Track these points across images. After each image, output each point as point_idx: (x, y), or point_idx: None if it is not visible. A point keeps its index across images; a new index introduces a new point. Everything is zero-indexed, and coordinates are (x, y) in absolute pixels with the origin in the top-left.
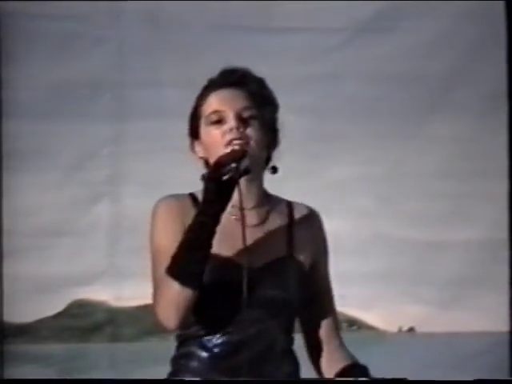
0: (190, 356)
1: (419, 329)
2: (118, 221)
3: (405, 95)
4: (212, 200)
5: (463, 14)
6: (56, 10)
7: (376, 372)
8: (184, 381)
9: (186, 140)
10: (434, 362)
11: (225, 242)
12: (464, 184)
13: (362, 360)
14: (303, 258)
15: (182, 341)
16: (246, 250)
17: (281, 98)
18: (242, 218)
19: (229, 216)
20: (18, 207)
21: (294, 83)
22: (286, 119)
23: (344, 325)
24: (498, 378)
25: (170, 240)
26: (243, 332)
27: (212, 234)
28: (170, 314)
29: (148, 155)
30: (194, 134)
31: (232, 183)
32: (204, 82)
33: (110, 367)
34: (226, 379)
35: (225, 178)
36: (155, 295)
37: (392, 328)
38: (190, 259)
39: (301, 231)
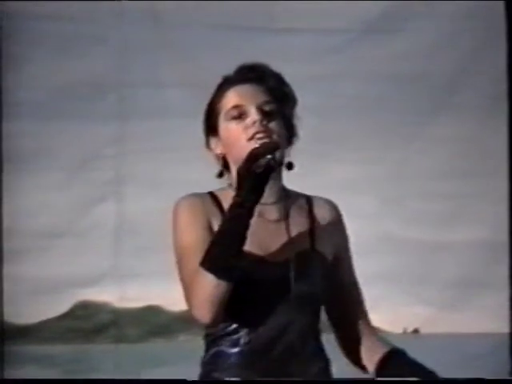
0: (221, 355)
1: (424, 330)
2: (122, 221)
3: (408, 96)
4: (248, 191)
5: (466, 14)
6: (58, 10)
7: None
8: (184, 381)
9: (189, 140)
10: (438, 363)
11: (249, 239)
12: (467, 184)
13: None
14: (326, 250)
15: (211, 341)
16: (289, 244)
17: None
18: (286, 216)
19: None
20: (21, 208)
21: (296, 84)
22: None
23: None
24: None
25: (196, 236)
26: (273, 328)
27: (247, 226)
28: (206, 309)
29: (151, 155)
30: (212, 130)
31: (267, 175)
32: (206, 82)
33: (114, 368)
34: (236, 380)
35: (260, 169)
36: (188, 291)
37: (397, 329)
38: (225, 252)
39: (321, 224)
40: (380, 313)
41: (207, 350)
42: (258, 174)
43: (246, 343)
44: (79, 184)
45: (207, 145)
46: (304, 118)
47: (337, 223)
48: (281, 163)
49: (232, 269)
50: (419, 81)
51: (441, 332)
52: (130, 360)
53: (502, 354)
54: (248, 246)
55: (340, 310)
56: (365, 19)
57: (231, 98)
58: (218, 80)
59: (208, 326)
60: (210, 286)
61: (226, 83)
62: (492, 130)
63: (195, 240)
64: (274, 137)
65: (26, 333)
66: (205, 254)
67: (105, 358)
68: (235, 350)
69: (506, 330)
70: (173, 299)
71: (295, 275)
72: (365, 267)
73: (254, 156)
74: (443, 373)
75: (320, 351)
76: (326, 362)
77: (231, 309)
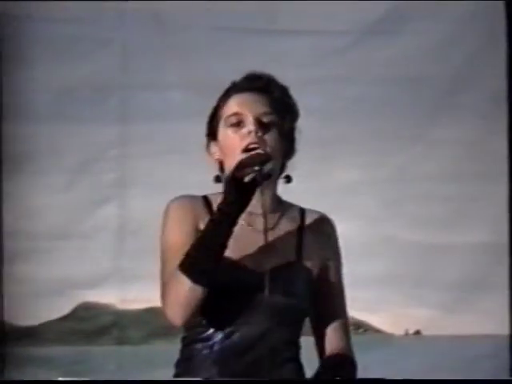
0: (193, 358)
1: (425, 332)
2: (124, 223)
3: (410, 98)
4: (232, 200)
5: (468, 16)
6: (60, 12)
7: (383, 374)
8: (184, 381)
9: (192, 142)
10: (440, 365)
11: (234, 246)
12: (469, 187)
13: (369, 362)
14: (312, 263)
15: (187, 343)
16: (274, 256)
17: None
18: (265, 222)
19: (240, 221)
20: (24, 210)
21: (298, 86)
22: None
23: (350, 328)
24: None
25: (181, 238)
26: (247, 335)
27: (228, 234)
28: (178, 311)
29: (154, 157)
30: (212, 135)
31: (254, 186)
32: (209, 84)
33: (115, 370)
34: (228, 379)
35: (247, 179)
36: (164, 291)
37: (398, 331)
38: (204, 257)
39: (311, 237)
40: (382, 315)
41: (182, 352)
42: (243, 185)
43: (219, 348)
44: (82, 186)
45: (207, 149)
46: (306, 120)
47: (328, 237)
48: (269, 176)
49: (208, 275)
50: (421, 83)
51: (442, 334)
52: (131, 361)
53: (503, 355)
54: (233, 254)
55: (318, 324)
56: (367, 21)
57: (232, 105)
58: (221, 82)
59: (181, 328)
60: (184, 289)
61: (232, 89)
62: (496, 133)
63: (179, 241)
64: (268, 149)
65: (28, 334)
66: (183, 257)
67: (107, 359)
68: (206, 354)
69: (508, 331)
70: None
71: (275, 286)
72: (366, 269)
73: (241, 166)
74: (445, 374)
75: (295, 363)
76: (301, 374)
77: (209, 314)
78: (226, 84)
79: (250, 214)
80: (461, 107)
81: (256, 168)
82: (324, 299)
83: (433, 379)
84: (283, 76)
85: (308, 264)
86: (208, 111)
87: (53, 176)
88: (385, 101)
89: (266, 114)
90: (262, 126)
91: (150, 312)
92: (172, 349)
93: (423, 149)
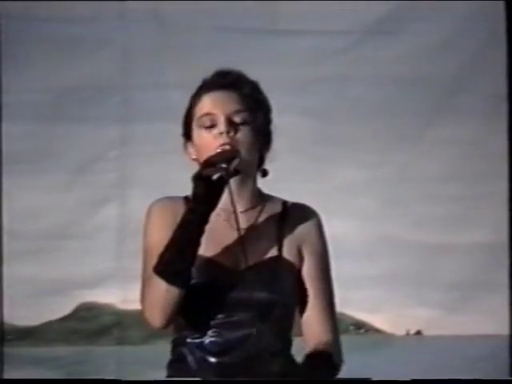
0: (182, 359)
1: (427, 332)
2: (125, 223)
3: (411, 98)
4: (200, 199)
5: (469, 15)
6: (61, 12)
7: (384, 374)
8: (184, 381)
9: None
10: (441, 365)
11: (213, 244)
12: (469, 187)
13: (370, 363)
14: (293, 258)
15: (175, 345)
16: (255, 253)
17: (287, 101)
18: (237, 222)
19: (218, 218)
20: (25, 210)
21: (299, 86)
22: (292, 121)
23: (351, 328)
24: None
25: (160, 239)
26: (232, 334)
27: (200, 233)
28: (155, 313)
29: (155, 157)
30: (187, 135)
31: (222, 183)
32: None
33: (116, 370)
34: (222, 379)
35: (214, 177)
36: (142, 293)
37: (399, 331)
38: (177, 258)
39: (292, 230)
40: (383, 315)
41: (172, 353)
42: (211, 183)
43: (205, 348)
44: (83, 186)
45: (184, 149)
46: (307, 120)
47: (311, 229)
48: (236, 172)
49: (183, 275)
50: (423, 82)
51: (444, 334)
52: (132, 362)
53: (504, 355)
54: (213, 253)
55: (308, 317)
56: (368, 21)
57: (204, 105)
58: None
59: (158, 329)
60: (160, 290)
61: (202, 88)
62: (496, 133)
63: (158, 242)
64: (241, 148)
65: (30, 334)
66: (158, 258)
67: (108, 359)
68: (194, 355)
69: (509, 332)
70: None
71: (258, 283)
72: (368, 269)
73: (207, 164)
74: (446, 374)
75: (286, 358)
76: (291, 367)
77: (189, 314)
78: None
79: (229, 211)
80: (461, 107)
81: (223, 165)
82: (310, 291)
83: (433, 379)
84: (285, 76)
85: (289, 257)
86: None
87: (53, 176)
88: (386, 101)
89: (236, 112)
90: (233, 125)
91: None
92: None
93: (424, 149)
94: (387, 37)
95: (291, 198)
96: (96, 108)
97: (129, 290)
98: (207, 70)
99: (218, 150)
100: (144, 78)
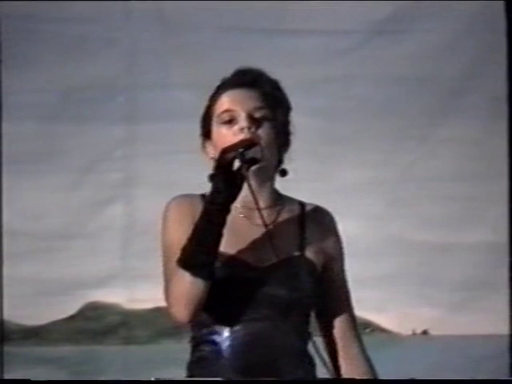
0: (203, 360)
1: (433, 332)
2: (131, 223)
3: (416, 97)
4: (220, 189)
5: (474, 15)
6: (67, 12)
7: (389, 374)
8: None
9: (198, 141)
10: (447, 365)
11: (234, 241)
12: (474, 186)
13: (376, 362)
14: (315, 257)
15: (195, 344)
16: (276, 250)
17: (293, 100)
18: (262, 218)
19: (238, 215)
20: (31, 209)
21: (306, 85)
22: (298, 121)
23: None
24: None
25: (180, 236)
26: (254, 332)
27: (221, 224)
28: (181, 306)
29: (160, 157)
30: (206, 133)
31: (241, 173)
32: (215, 84)
33: (122, 370)
34: (240, 380)
35: (234, 166)
36: (167, 289)
37: (406, 331)
38: (200, 249)
39: (312, 231)
40: (389, 314)
41: (192, 353)
42: (231, 173)
43: (228, 346)
44: (88, 186)
45: (203, 148)
46: (312, 119)
47: (329, 231)
48: (255, 160)
49: (207, 266)
50: (428, 82)
51: (450, 334)
52: (138, 361)
53: (509, 355)
54: (234, 250)
55: (325, 318)
56: (375, 21)
57: (223, 103)
58: None
59: (184, 324)
60: (185, 283)
61: (222, 86)
62: (500, 133)
63: (178, 239)
64: (262, 144)
65: (36, 334)
66: (181, 251)
67: (114, 359)
68: (216, 355)
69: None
70: None
71: (278, 281)
72: (373, 269)
73: (225, 151)
74: (452, 374)
75: (305, 356)
76: (312, 367)
77: (213, 311)
78: None
79: (249, 208)
80: (465, 107)
81: (239, 150)
82: (328, 292)
83: (433, 379)
84: (291, 76)
85: (311, 257)
86: None
87: (59, 176)
88: (390, 101)
89: (257, 108)
90: (254, 122)
91: (157, 312)
92: (179, 348)
93: (429, 149)
94: (392, 37)
95: (296, 197)
96: (101, 108)
97: (134, 289)
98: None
99: (236, 141)
100: (149, 78)
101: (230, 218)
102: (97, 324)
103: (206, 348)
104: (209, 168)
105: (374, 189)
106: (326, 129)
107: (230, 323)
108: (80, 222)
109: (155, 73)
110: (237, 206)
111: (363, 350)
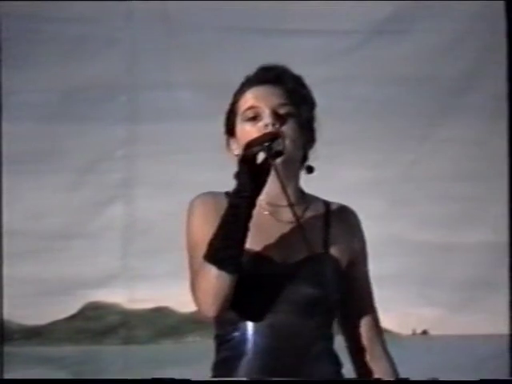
0: (227, 360)
1: (433, 331)
2: (132, 223)
3: (417, 97)
4: (245, 183)
5: (475, 15)
6: (68, 12)
7: None
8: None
9: (200, 141)
10: (448, 365)
11: (260, 238)
12: (474, 186)
13: None
14: (340, 255)
15: (219, 343)
16: (301, 247)
17: None
18: (294, 214)
19: (263, 212)
20: (32, 209)
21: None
22: None
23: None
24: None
25: (205, 232)
26: (278, 331)
27: (247, 217)
28: (208, 301)
29: (161, 157)
30: (230, 131)
31: (267, 165)
32: (217, 84)
33: (123, 370)
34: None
35: (259, 159)
36: (193, 285)
37: (405, 330)
38: (226, 243)
39: (337, 229)
40: (389, 314)
41: (217, 352)
42: (256, 166)
43: (254, 344)
44: (89, 186)
45: (227, 145)
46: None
47: (354, 229)
48: (280, 153)
49: (233, 260)
50: (428, 82)
51: (450, 334)
52: (139, 361)
53: (509, 355)
54: (259, 246)
55: (348, 317)
56: (375, 21)
57: (248, 99)
58: (229, 82)
59: (212, 318)
60: (212, 278)
61: (246, 84)
62: (502, 132)
63: (203, 236)
64: (287, 141)
65: (36, 334)
66: (207, 246)
67: (114, 359)
68: (241, 355)
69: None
70: (182, 301)
71: (303, 278)
72: (374, 269)
73: (250, 144)
74: (452, 374)
75: (330, 354)
76: (338, 366)
77: (237, 308)
78: (234, 84)
79: (274, 205)
80: (463, 107)
81: (265, 144)
82: (352, 290)
83: (434, 379)
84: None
85: (336, 255)
86: (216, 111)
87: (60, 176)
88: (391, 101)
89: (281, 105)
90: (278, 118)
91: (158, 311)
92: (179, 348)
93: (429, 149)
94: (392, 37)
95: None
96: (102, 108)
97: (135, 289)
98: (214, 70)
99: (260, 134)
100: (150, 78)
101: (255, 215)
102: (97, 324)
103: (230, 347)
104: (208, 168)
105: (374, 189)
106: (328, 128)
107: (254, 320)
108: (80, 222)
109: (156, 73)
110: (261, 202)
111: (386, 351)
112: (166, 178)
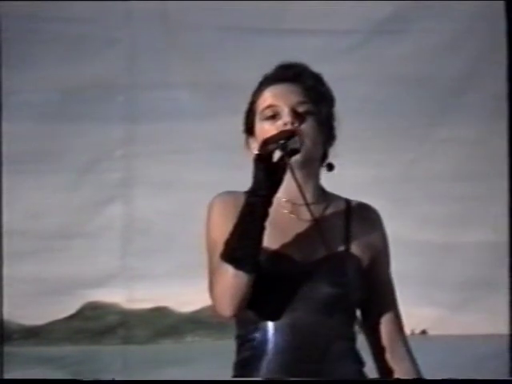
0: (248, 360)
1: (432, 331)
2: (131, 223)
3: (417, 97)
4: (262, 181)
5: (475, 15)
6: (67, 12)
7: None
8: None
9: (198, 141)
10: (446, 365)
11: (279, 237)
12: (474, 186)
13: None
14: (361, 253)
15: (240, 343)
16: (322, 246)
17: None
18: (311, 212)
19: (282, 210)
20: (30, 209)
21: None
22: None
23: (356, 327)
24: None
25: (224, 232)
26: (299, 330)
27: (263, 216)
28: (225, 300)
29: (161, 157)
30: (249, 130)
31: (282, 163)
32: (216, 84)
33: (122, 370)
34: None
35: (275, 158)
36: (211, 284)
37: (406, 330)
38: (242, 242)
39: (358, 227)
40: None
41: (238, 352)
42: (270, 163)
43: (273, 346)
44: (88, 185)
45: (246, 145)
46: None
47: (375, 227)
48: (296, 151)
49: (250, 259)
50: (428, 82)
51: (449, 333)
52: (138, 361)
53: (509, 355)
54: (278, 245)
55: (370, 315)
56: (374, 20)
57: (266, 98)
58: (228, 82)
59: (229, 318)
60: (229, 277)
61: (264, 82)
62: (501, 132)
63: (223, 235)
64: (306, 139)
65: (35, 334)
66: (224, 245)
67: (113, 358)
68: (262, 355)
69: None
70: (181, 300)
71: (325, 277)
72: None
73: (266, 142)
74: (452, 374)
75: (352, 353)
76: (359, 364)
77: (257, 307)
78: (233, 83)
79: (294, 203)
80: (463, 107)
81: (280, 142)
82: (374, 289)
83: (433, 379)
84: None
85: (357, 253)
86: (215, 110)
87: (59, 175)
88: (390, 100)
89: (300, 103)
90: (297, 117)
91: (157, 311)
92: (178, 348)
93: (429, 148)
94: (392, 37)
95: None
96: (101, 107)
97: (134, 289)
98: (214, 70)
99: (276, 132)
100: (150, 78)
101: (274, 213)
102: (96, 324)
103: (251, 347)
104: (207, 167)
105: (374, 188)
106: None
107: (274, 320)
108: (79, 222)
109: (155, 73)
110: (281, 200)
111: (409, 350)
112: (165, 177)
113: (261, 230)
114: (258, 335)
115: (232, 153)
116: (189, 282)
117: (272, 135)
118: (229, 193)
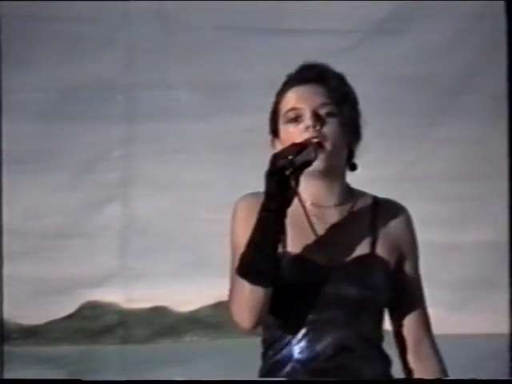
0: (275, 365)
1: (433, 331)
2: (129, 222)
3: (416, 97)
4: (272, 194)
5: (474, 15)
6: (65, 11)
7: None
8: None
9: (197, 141)
10: (447, 364)
11: (303, 241)
12: (474, 186)
13: None
14: (387, 254)
15: (266, 348)
16: (347, 249)
17: None
18: (348, 219)
19: (307, 213)
20: (29, 209)
21: None
22: None
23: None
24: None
25: (246, 237)
26: (325, 334)
27: (277, 231)
28: (243, 314)
29: (159, 157)
30: (274, 131)
31: (295, 177)
32: (214, 84)
33: (121, 369)
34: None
35: (287, 172)
36: (230, 294)
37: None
38: (257, 257)
39: (385, 227)
40: (387, 314)
41: (264, 356)
42: (280, 177)
43: (299, 352)
44: (87, 185)
45: (272, 146)
46: None
47: (403, 226)
48: (306, 164)
49: (266, 274)
50: (428, 82)
51: (449, 333)
52: (136, 361)
53: (509, 355)
54: (302, 249)
55: (398, 317)
56: (373, 20)
57: (289, 100)
58: (226, 82)
59: (249, 331)
60: (245, 292)
61: (288, 83)
62: (501, 132)
63: (244, 241)
64: (328, 142)
65: (33, 333)
66: (239, 259)
67: (111, 358)
68: (290, 360)
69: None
70: (179, 300)
71: (351, 279)
72: None
73: (275, 157)
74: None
75: (378, 354)
76: (387, 365)
77: (282, 313)
78: (232, 83)
79: (319, 206)
80: (463, 107)
81: (289, 158)
82: (402, 290)
83: (434, 379)
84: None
85: (383, 254)
86: (214, 110)
87: (58, 175)
88: (389, 100)
89: (323, 105)
90: (319, 119)
91: (155, 311)
92: (177, 348)
93: (428, 148)
94: (392, 36)
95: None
96: (100, 107)
97: (132, 289)
98: (212, 70)
99: (288, 145)
100: (148, 77)
101: (299, 217)
102: (94, 323)
103: (277, 351)
104: (206, 167)
105: (374, 188)
106: None
107: (299, 325)
108: (78, 222)
109: (154, 72)
110: (306, 204)
111: (437, 351)
112: (163, 177)
113: (275, 244)
114: (283, 341)
115: (231, 153)
116: (187, 282)
117: (282, 150)
118: (253, 195)
